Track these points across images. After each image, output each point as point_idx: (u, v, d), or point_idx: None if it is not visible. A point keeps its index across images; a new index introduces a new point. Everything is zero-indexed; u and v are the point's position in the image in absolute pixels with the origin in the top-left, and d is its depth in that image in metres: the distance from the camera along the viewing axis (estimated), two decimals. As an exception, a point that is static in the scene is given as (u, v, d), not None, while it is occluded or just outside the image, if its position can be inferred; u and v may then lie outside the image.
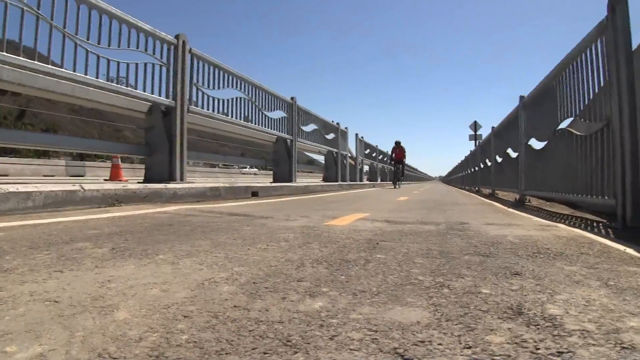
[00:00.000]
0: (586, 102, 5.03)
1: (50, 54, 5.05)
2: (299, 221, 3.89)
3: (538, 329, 1.19)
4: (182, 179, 6.82)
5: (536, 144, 7.74)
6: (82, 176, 22.56)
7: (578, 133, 5.24)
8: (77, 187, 4.57)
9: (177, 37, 7.01)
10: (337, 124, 17.02)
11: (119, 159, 14.41)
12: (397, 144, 22.14)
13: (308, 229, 3.32)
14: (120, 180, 12.94)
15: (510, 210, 6.47)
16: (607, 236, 3.28)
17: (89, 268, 1.80)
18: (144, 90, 6.48)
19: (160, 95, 6.75)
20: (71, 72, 5.25)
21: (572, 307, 1.39)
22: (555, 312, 1.33)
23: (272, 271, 1.81)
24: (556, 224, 4.19)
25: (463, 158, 29.57)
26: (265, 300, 1.40)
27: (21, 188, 3.99)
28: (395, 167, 22.20)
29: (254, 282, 1.61)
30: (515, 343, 1.08)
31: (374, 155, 26.79)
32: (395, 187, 20.20)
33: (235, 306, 1.33)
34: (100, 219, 3.72)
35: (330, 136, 16.28)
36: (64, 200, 4.37)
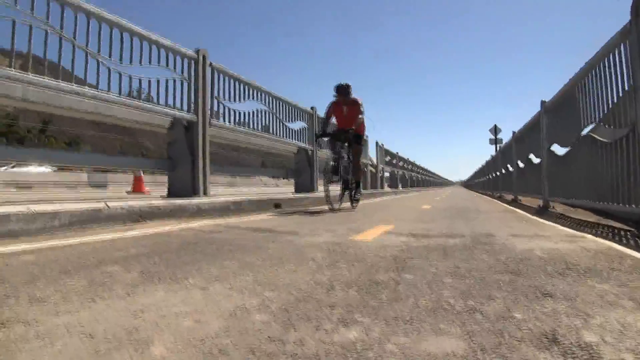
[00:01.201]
0: (610, 108, 4.99)
1: (73, 73, 5.14)
2: (324, 236, 3.90)
3: (575, 359, 1.18)
4: (205, 193, 6.86)
5: (559, 150, 7.68)
6: (105, 187, 22.85)
7: (602, 139, 5.19)
8: (102, 205, 4.63)
9: (197, 51, 7.07)
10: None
11: (141, 172, 14.56)
12: (342, 90, 8.70)
13: (334, 245, 3.32)
14: (142, 193, 13.14)
15: (535, 218, 6.43)
16: (636, 248, 3.23)
17: (120, 296, 1.82)
18: (166, 105, 6.54)
19: (181, 110, 6.81)
20: (95, 91, 5.33)
21: (607, 332, 1.37)
22: (591, 339, 1.32)
23: (302, 296, 1.82)
24: (583, 234, 4.14)
25: (484, 163, 29.42)
26: (300, 331, 1.40)
27: (48, 208, 4.05)
28: (335, 154, 8.59)
29: (285, 310, 1.61)
30: (554, 377, 1.07)
31: (394, 162, 26.71)
32: (334, 209, 7.93)
33: (269, 337, 1.34)
34: (126, 238, 3.76)
35: (351, 145, 16.26)
36: (89, 219, 4.42)
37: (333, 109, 8.94)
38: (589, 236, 3.96)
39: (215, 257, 2.80)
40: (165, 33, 6.38)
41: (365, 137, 9.71)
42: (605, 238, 3.79)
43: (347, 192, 8.77)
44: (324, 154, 13.08)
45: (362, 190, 10.56)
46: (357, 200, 9.07)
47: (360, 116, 8.61)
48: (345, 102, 8.72)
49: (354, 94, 8.78)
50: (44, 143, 37.41)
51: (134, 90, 6.06)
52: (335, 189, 8.43)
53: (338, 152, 8.43)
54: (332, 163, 8.43)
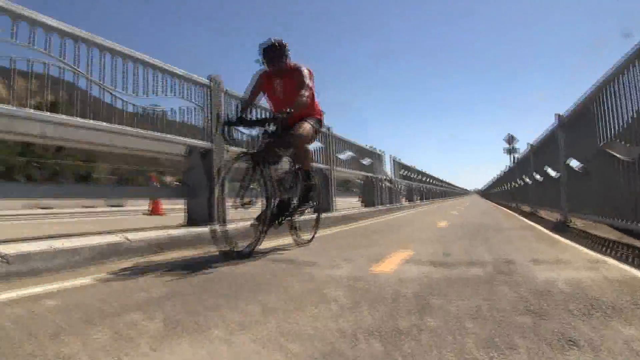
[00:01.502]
0: (629, 124, 4.98)
1: (89, 109, 5.22)
2: (344, 268, 3.88)
3: None
4: (224, 220, 6.87)
5: (578, 164, 7.63)
6: (122, 206, 23.01)
7: (620, 157, 5.17)
8: (121, 239, 4.68)
9: (210, 79, 7.12)
10: (373, 147, 16.98)
11: (159, 194, 14.72)
12: (270, 52, 5.16)
13: (355, 280, 3.29)
14: (160, 214, 13.26)
15: (555, 236, 6.39)
16: (661, 275, 3.21)
17: (145, 353, 1.82)
18: (181, 132, 6.60)
19: (196, 137, 6.86)
20: (109, 125, 5.39)
21: (634, 393, 1.37)
22: (619, 402, 1.31)
23: (327, 349, 1.81)
24: (605, 258, 4.09)
25: (500, 172, 29.37)
26: (325, 394, 1.40)
27: (67, 244, 4.10)
28: (254, 159, 4.95)
29: (310, 367, 1.62)
30: None
31: (410, 175, 26.64)
32: (230, 254, 4.51)
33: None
34: (146, 275, 3.77)
35: (367, 161, 16.19)
36: (110, 252, 4.47)
37: (261, 82, 5.56)
38: (611, 261, 3.92)
39: (236, 298, 2.81)
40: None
41: (323, 126, 6.50)
42: (629, 263, 3.74)
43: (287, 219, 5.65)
44: (340, 173, 12.98)
45: (361, 209, 10.01)
46: (313, 226, 6.45)
47: (303, 91, 5.09)
48: (278, 73, 5.38)
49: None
50: (58, 162, 37.70)
51: (148, 114, 6.11)
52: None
53: (261, 153, 5.12)
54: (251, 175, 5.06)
